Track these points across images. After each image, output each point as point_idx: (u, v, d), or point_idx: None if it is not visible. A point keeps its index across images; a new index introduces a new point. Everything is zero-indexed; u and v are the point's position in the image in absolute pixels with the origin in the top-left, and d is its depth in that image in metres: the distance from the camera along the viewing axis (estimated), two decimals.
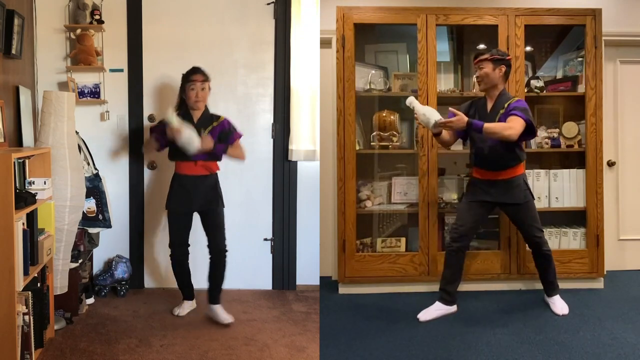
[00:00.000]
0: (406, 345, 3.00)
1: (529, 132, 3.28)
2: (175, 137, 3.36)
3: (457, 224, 3.44)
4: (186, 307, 3.72)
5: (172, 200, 3.59)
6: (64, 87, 3.96)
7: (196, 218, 3.64)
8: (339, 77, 3.87)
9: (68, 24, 3.95)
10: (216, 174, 3.60)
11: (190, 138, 3.36)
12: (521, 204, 3.38)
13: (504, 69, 3.34)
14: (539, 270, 3.55)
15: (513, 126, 3.17)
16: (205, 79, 3.52)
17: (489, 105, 3.39)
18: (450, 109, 3.23)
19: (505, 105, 3.29)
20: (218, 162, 3.60)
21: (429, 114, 3.22)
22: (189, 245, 3.65)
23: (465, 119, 3.15)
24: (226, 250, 3.60)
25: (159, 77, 4.11)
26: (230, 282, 4.21)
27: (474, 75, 3.51)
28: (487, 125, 3.16)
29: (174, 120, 3.34)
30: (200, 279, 4.23)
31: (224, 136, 3.56)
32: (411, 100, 3.32)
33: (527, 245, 3.63)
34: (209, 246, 3.59)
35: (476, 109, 3.45)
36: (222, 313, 3.57)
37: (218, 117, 3.60)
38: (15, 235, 2.60)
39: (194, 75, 3.50)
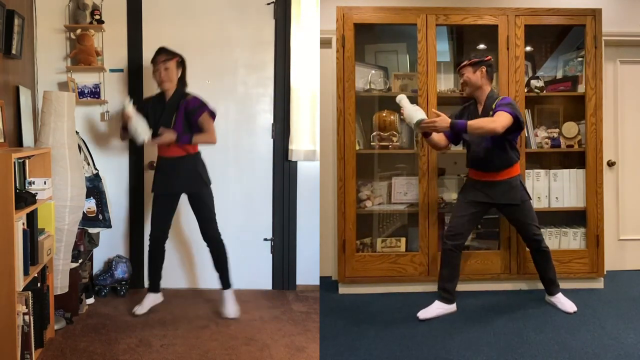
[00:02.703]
0: (406, 345, 3.00)
1: (516, 126, 3.28)
2: (127, 124, 3.40)
3: (451, 223, 3.47)
4: (147, 302, 3.64)
5: (154, 183, 3.60)
6: (64, 87, 3.96)
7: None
8: (339, 77, 3.87)
9: (68, 24, 3.95)
10: (196, 154, 3.56)
11: (135, 129, 3.38)
12: (518, 205, 3.40)
13: (484, 69, 3.38)
14: (539, 269, 3.56)
15: (496, 119, 3.19)
16: (168, 57, 3.46)
17: (480, 109, 3.43)
18: (433, 110, 3.26)
19: (493, 106, 3.32)
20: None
21: (414, 113, 3.21)
22: (168, 229, 3.64)
23: (448, 120, 3.17)
24: (220, 239, 3.61)
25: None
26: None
27: (460, 83, 3.56)
28: (470, 122, 3.18)
29: (127, 107, 3.39)
30: (197, 279, 4.25)
31: (189, 115, 3.47)
32: (400, 98, 3.30)
33: (526, 245, 3.64)
34: (203, 236, 3.61)
35: (469, 113, 3.48)
36: (229, 303, 3.63)
37: (186, 94, 3.53)
38: (16, 235, 2.60)
39: (156, 57, 3.48)
